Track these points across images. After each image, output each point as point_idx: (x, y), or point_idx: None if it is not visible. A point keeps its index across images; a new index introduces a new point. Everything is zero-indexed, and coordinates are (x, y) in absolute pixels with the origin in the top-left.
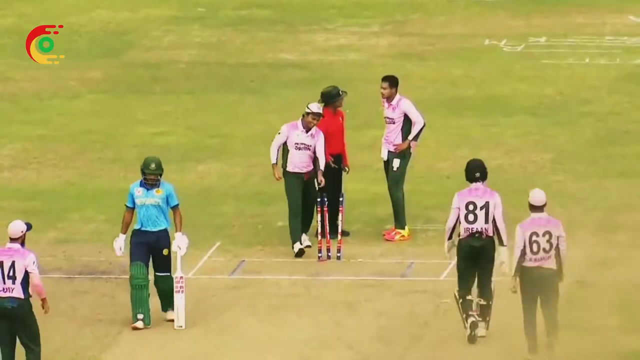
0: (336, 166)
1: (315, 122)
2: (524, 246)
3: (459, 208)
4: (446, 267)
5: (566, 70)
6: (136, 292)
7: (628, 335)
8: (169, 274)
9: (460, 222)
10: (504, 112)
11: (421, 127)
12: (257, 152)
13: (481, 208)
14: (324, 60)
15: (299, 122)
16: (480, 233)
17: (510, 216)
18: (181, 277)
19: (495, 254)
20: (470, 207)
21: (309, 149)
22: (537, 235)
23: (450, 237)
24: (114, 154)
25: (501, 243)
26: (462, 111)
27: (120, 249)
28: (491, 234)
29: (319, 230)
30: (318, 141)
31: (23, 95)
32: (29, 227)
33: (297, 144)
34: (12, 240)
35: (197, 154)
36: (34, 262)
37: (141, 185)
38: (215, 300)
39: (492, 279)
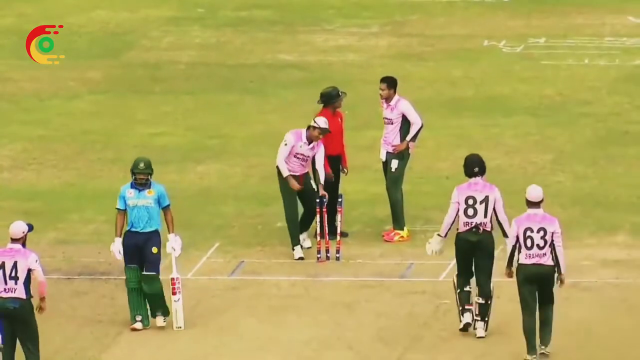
0: (332, 179)
1: (320, 137)
2: (517, 241)
3: (458, 202)
4: (445, 268)
5: (566, 71)
6: (133, 295)
7: None
8: (155, 273)
9: (459, 217)
10: (504, 112)
11: (419, 127)
12: (256, 152)
13: (481, 202)
14: (323, 61)
15: (303, 133)
16: (478, 228)
17: (510, 217)
18: (177, 279)
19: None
20: (470, 202)
21: (307, 160)
22: (532, 231)
23: (445, 235)
24: (113, 155)
25: (505, 235)
26: (461, 112)
27: (120, 252)
28: (489, 229)
29: (318, 231)
30: (318, 153)
31: (23, 96)
32: (31, 228)
33: (298, 154)
34: (14, 240)
35: (196, 154)
36: (36, 261)
37: (132, 187)
38: (215, 301)
39: (492, 278)
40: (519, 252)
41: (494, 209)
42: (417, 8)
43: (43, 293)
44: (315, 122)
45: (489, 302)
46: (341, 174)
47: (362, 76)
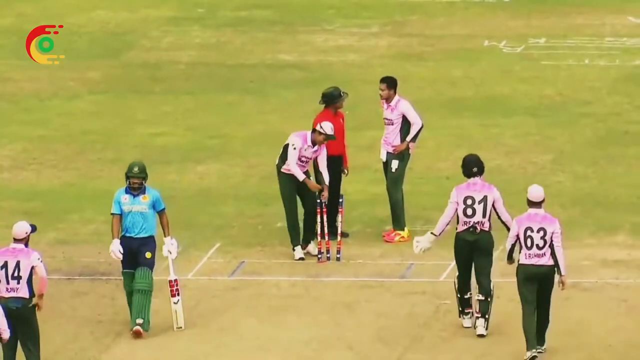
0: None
1: (325, 142)
2: (517, 240)
3: (457, 202)
4: (446, 269)
5: (566, 71)
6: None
7: None
8: (148, 268)
9: (458, 217)
10: (504, 112)
11: (419, 128)
12: (256, 152)
13: (479, 202)
14: (323, 61)
15: (308, 136)
16: (475, 227)
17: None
18: (175, 281)
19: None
20: (469, 202)
21: (309, 161)
22: (532, 231)
23: (439, 234)
24: (113, 155)
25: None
26: (461, 112)
27: (120, 251)
28: (487, 229)
29: (319, 232)
30: (320, 156)
31: (23, 96)
32: (34, 228)
33: (301, 156)
34: (16, 241)
35: (196, 154)
36: (39, 259)
37: (127, 192)
38: (215, 301)
39: (491, 277)
40: (519, 251)
41: (495, 209)
42: (417, 8)
43: (42, 290)
44: (321, 127)
45: (489, 299)
46: (342, 175)
47: (362, 76)
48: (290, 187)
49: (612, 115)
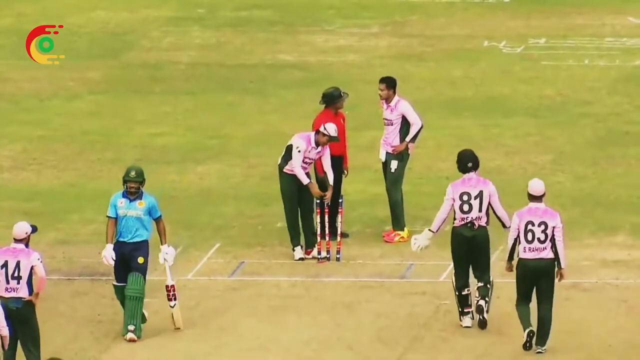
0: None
1: (328, 143)
2: (518, 234)
3: (453, 199)
4: (445, 269)
5: (566, 71)
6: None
7: None
8: (140, 274)
9: (455, 213)
10: (504, 113)
11: (419, 128)
12: (256, 152)
13: (475, 197)
14: (323, 61)
15: (312, 137)
16: (473, 223)
17: (510, 217)
18: (172, 286)
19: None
20: (465, 198)
21: (311, 162)
22: (533, 225)
23: (436, 231)
24: (113, 155)
25: (505, 227)
26: (461, 112)
27: (112, 257)
28: (484, 224)
29: (319, 232)
30: (324, 157)
31: (23, 96)
32: (34, 229)
33: (305, 158)
34: (17, 241)
35: (196, 154)
36: (39, 259)
37: (123, 196)
38: (215, 302)
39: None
40: (519, 244)
41: (490, 204)
42: (417, 8)
43: (40, 289)
44: (325, 129)
45: (489, 285)
46: (342, 176)
47: (362, 76)
48: (292, 187)
49: (612, 115)
